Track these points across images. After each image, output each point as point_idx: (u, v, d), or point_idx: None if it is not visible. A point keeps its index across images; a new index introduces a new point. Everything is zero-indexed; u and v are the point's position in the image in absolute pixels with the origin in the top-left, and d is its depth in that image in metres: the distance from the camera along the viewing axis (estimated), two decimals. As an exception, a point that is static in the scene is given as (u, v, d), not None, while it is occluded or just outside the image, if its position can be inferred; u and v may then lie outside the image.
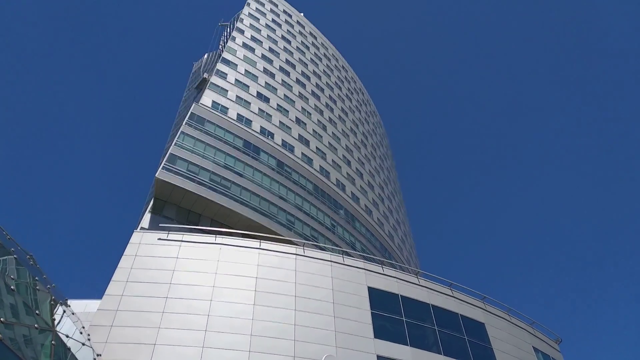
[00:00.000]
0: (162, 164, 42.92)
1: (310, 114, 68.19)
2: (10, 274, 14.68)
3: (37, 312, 14.55)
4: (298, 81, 72.11)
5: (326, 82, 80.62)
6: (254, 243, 33.27)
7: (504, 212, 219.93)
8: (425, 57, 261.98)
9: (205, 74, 72.20)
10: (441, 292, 35.09)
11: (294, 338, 27.48)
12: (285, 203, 50.23)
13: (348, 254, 41.15)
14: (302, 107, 67.48)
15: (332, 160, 64.89)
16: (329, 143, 67.17)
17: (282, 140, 58.08)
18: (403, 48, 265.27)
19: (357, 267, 33.91)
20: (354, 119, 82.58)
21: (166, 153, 45.97)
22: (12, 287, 13.78)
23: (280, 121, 60.69)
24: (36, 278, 16.06)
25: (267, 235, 38.71)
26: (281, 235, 45.22)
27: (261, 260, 31.80)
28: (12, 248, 15.77)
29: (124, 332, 25.05)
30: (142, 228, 39.24)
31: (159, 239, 31.44)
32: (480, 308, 35.92)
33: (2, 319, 12.07)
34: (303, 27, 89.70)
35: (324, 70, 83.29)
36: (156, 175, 41.89)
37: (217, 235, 33.16)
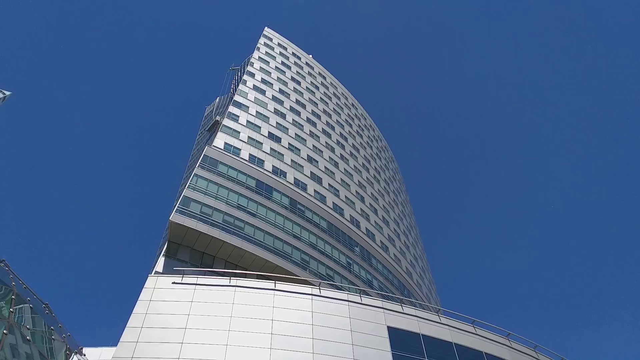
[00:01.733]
0: (176, 207, 43.13)
1: (322, 152, 68.65)
2: (26, 324, 14.55)
3: (52, 362, 14.32)
4: (309, 120, 73.05)
5: (336, 120, 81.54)
6: (269, 284, 32.82)
7: (524, 239, 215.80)
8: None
9: (217, 116, 73.60)
10: (464, 330, 33.98)
11: (313, 382, 26.61)
12: (300, 242, 49.85)
13: (366, 293, 40.37)
14: (313, 145, 68.03)
15: (346, 197, 64.73)
16: (341, 180, 67.23)
17: (295, 178, 58.26)
18: (411, 83, 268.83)
19: (375, 307, 33.13)
20: (366, 155, 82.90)
21: (180, 196, 46.28)
22: (27, 337, 13.62)
23: (292, 160, 61.09)
24: (52, 327, 15.89)
25: (282, 275, 38.24)
26: (296, 275, 44.64)
27: (277, 302, 31.27)
28: (28, 297, 15.70)
29: (139, 380, 24.49)
30: (156, 272, 39.05)
31: (174, 282, 31.20)
32: (506, 345, 34.61)
33: (16, 371, 11.86)
34: (312, 67, 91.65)
35: (334, 108, 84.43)
36: (170, 218, 42.01)
37: (231, 278, 32.84)
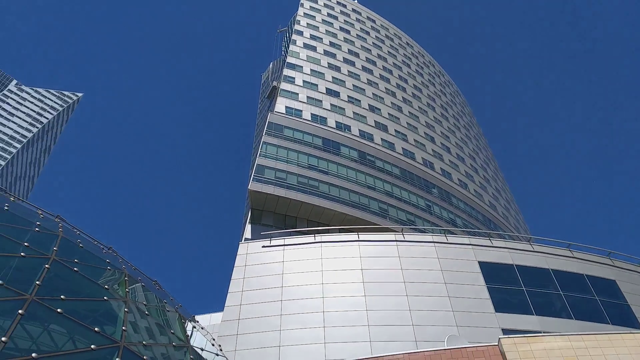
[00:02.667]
0: (252, 176, 44.60)
1: (383, 99, 67.14)
2: (141, 300, 15.96)
3: (171, 331, 15.70)
4: (364, 68, 71.33)
5: (393, 63, 78.92)
6: (353, 236, 33.36)
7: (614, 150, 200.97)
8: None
9: (274, 82, 73.93)
10: (560, 255, 32.77)
11: (412, 323, 27.16)
12: (375, 192, 49.88)
13: (451, 232, 39.92)
14: (373, 94, 66.64)
15: (415, 140, 63.35)
16: (407, 124, 65.67)
17: (359, 130, 57.75)
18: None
19: (463, 244, 32.74)
20: (429, 94, 79.98)
21: (253, 165, 47.70)
22: (145, 312, 14.95)
23: (353, 112, 60.41)
24: (164, 301, 17.34)
25: (364, 226, 38.71)
26: (377, 224, 45.00)
27: (363, 252, 31.82)
28: (138, 277, 17.16)
29: (249, 338, 26.32)
30: (246, 239, 41.02)
31: (263, 246, 32.64)
32: (608, 265, 33.01)
33: (143, 342, 13.13)
34: (359, 13, 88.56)
35: (388, 51, 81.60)
36: (248, 187, 43.66)
37: (315, 235, 33.73)
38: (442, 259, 31.31)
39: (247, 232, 42.14)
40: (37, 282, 11.26)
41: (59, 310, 11.02)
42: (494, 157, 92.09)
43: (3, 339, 9.05)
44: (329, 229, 40.06)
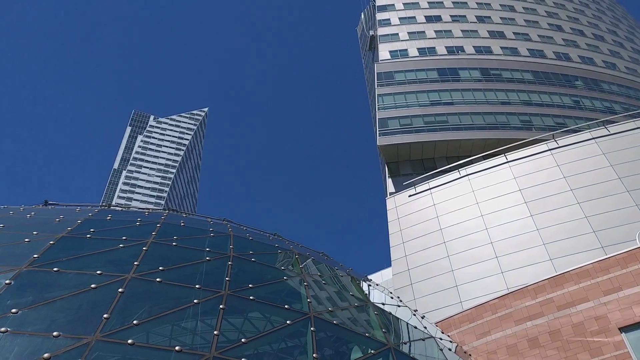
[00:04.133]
0: (377, 131, 44.46)
1: (490, 4, 61.09)
2: (315, 273, 17.11)
3: (350, 294, 16.62)
4: (459, -19, 65.47)
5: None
6: (499, 159, 31.45)
7: None
8: None
9: (370, 32, 71.97)
10: None
11: (592, 229, 24.90)
12: (510, 106, 46.17)
13: (610, 122, 35.32)
14: (477, 2, 61.01)
15: (539, 36, 56.78)
16: (525, 21, 59.02)
17: (474, 47, 53.56)
18: None
19: (629, 130, 28.78)
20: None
21: (375, 120, 47.45)
22: (322, 282, 16.01)
23: (462, 30, 56.12)
24: (335, 268, 18.38)
25: (509, 146, 36.13)
26: (523, 139, 41.72)
27: (516, 172, 29.86)
28: (307, 253, 18.41)
29: (425, 285, 26.69)
30: (390, 193, 41.30)
31: (410, 195, 32.52)
32: None
33: (329, 309, 14.13)
34: None
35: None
36: (377, 143, 43.65)
37: (459, 170, 32.53)
38: (608, 154, 27.94)
39: (390, 186, 42.37)
40: (227, 279, 12.72)
41: (251, 297, 12.35)
42: (637, 21, 78.48)
43: (215, 332, 10.45)
44: (471, 159, 38.28)
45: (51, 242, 12.33)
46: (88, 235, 13.48)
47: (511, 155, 31.14)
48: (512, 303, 19.83)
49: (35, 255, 11.45)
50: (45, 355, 8.35)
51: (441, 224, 29.37)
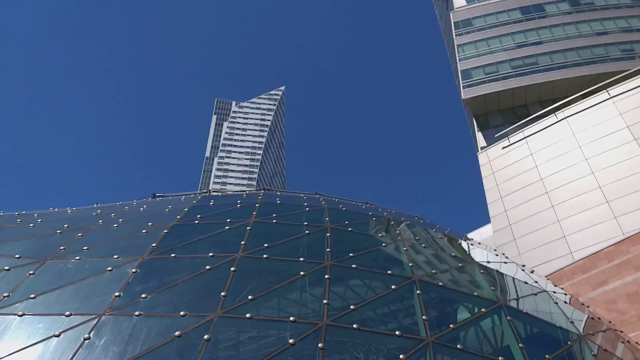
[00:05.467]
0: (461, 84, 42.41)
1: None
2: (411, 237, 17.01)
3: (451, 254, 16.35)
4: None
5: None
6: (602, 96, 28.71)
7: None
8: None
9: (440, -20, 68.02)
10: None
11: None
12: (608, 36, 41.64)
13: None
14: None
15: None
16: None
17: (560, -24, 48.62)
18: None
19: None
20: None
21: (457, 74, 45.27)
22: (422, 245, 15.90)
23: (544, -40, 51.10)
24: (432, 230, 18.13)
25: (610, 80, 32.76)
26: (627, 70, 37.59)
27: (621, 107, 27.13)
28: (401, 217, 18.32)
29: (529, 239, 25.47)
30: (481, 148, 39.51)
31: (503, 147, 30.93)
32: None
33: (432, 271, 14.04)
34: None
35: None
36: (462, 97, 41.72)
37: (555, 113, 30.22)
38: None
39: (480, 141, 40.47)
40: (328, 250, 13.08)
41: (353, 266, 12.62)
42: None
43: (325, 301, 10.84)
44: (569, 100, 35.30)
45: (165, 231, 13.43)
46: (196, 221, 14.50)
47: (614, 90, 28.30)
48: (629, 249, 18.39)
49: (153, 244, 12.56)
50: (177, 333, 9.23)
51: (541, 173, 27.65)
